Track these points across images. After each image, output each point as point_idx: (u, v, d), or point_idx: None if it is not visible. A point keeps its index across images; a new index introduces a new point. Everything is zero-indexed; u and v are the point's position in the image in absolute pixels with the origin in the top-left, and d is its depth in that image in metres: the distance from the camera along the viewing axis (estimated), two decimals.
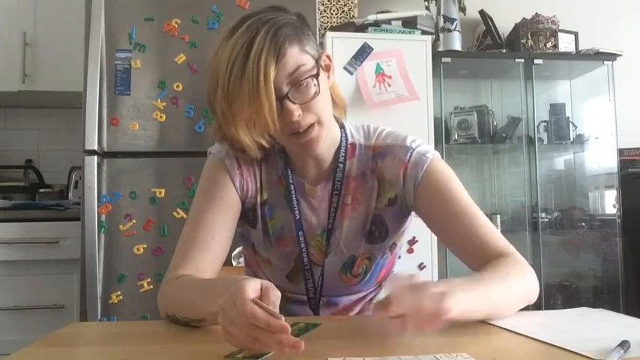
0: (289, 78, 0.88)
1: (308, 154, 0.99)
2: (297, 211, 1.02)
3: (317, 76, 0.90)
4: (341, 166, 1.03)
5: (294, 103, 0.88)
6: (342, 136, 1.04)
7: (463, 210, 0.96)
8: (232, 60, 0.86)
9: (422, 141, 1.05)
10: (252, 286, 0.65)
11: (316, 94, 0.90)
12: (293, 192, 1.02)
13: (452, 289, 0.72)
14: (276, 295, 0.66)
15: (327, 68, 0.96)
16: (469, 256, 0.96)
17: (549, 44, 2.84)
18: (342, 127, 1.05)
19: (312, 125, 0.91)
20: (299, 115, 0.89)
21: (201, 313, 0.79)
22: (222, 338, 0.64)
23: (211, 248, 0.96)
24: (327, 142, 0.98)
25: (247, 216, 1.05)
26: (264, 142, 0.93)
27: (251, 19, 0.89)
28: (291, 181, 1.03)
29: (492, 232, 0.96)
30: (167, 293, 0.90)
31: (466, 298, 0.74)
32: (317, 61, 0.93)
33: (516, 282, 0.86)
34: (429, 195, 0.99)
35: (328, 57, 0.97)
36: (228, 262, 1.69)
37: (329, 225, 1.02)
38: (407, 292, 0.68)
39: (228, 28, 0.91)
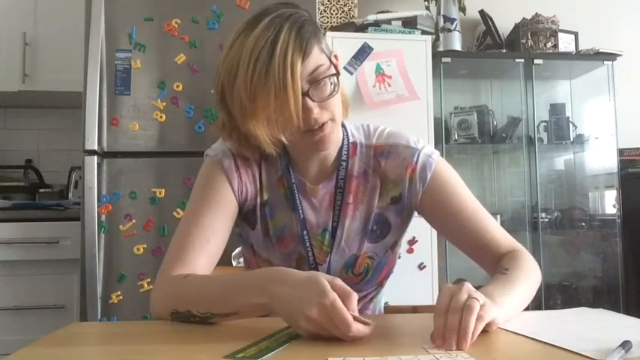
0: (310, 76, 0.89)
1: (316, 153, 0.99)
2: (300, 211, 1.02)
3: (337, 75, 0.92)
4: (344, 164, 1.03)
5: (313, 100, 0.89)
6: (344, 135, 1.05)
7: (471, 210, 1.00)
8: (256, 54, 0.86)
9: (424, 141, 1.06)
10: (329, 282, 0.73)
11: (334, 92, 0.91)
12: (295, 191, 1.02)
13: (495, 301, 0.77)
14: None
15: (336, 67, 0.97)
16: (480, 253, 1.01)
17: (549, 44, 2.84)
18: (342, 126, 1.06)
19: (326, 122, 0.92)
20: (317, 113, 0.90)
21: (234, 306, 0.82)
22: (222, 338, 0.64)
23: (207, 250, 0.96)
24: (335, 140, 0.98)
25: (247, 218, 1.05)
26: (283, 138, 0.92)
27: (271, 14, 0.89)
28: (293, 181, 1.03)
29: (498, 229, 1.01)
30: (177, 291, 0.89)
31: (511, 308, 0.83)
32: (330, 59, 0.94)
33: (531, 274, 0.94)
34: (437, 196, 1.01)
35: (336, 57, 0.98)
36: (228, 262, 1.70)
37: (333, 224, 1.02)
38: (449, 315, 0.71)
39: (245, 22, 0.90)
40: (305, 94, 0.88)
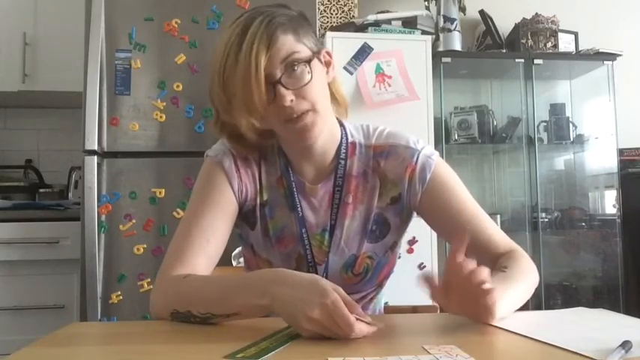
0: (282, 64, 0.89)
1: (304, 147, 0.99)
2: (299, 210, 1.02)
3: (309, 61, 0.92)
4: (342, 163, 1.03)
5: (286, 88, 0.89)
6: (342, 135, 1.04)
7: (469, 211, 1.00)
8: (228, 48, 0.89)
9: (423, 141, 1.06)
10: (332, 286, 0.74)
11: (309, 80, 0.91)
12: (295, 191, 1.02)
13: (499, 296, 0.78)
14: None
15: (327, 64, 0.97)
16: (477, 254, 0.99)
17: (549, 44, 2.84)
18: (341, 125, 1.06)
19: (306, 112, 0.92)
20: (291, 101, 0.90)
21: (235, 307, 0.82)
22: (222, 338, 0.64)
23: (207, 251, 0.96)
24: (324, 135, 0.98)
25: (247, 218, 1.05)
26: (256, 123, 0.93)
27: (251, 12, 0.92)
28: (292, 180, 1.03)
29: (497, 231, 1.02)
30: (177, 291, 0.89)
31: (508, 305, 0.83)
32: (315, 53, 0.94)
33: (529, 275, 0.94)
34: (436, 197, 1.01)
35: (329, 53, 0.98)
36: (228, 262, 1.70)
37: (332, 222, 1.02)
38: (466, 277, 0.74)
39: (230, 23, 0.93)
40: (277, 81, 0.89)
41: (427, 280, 0.78)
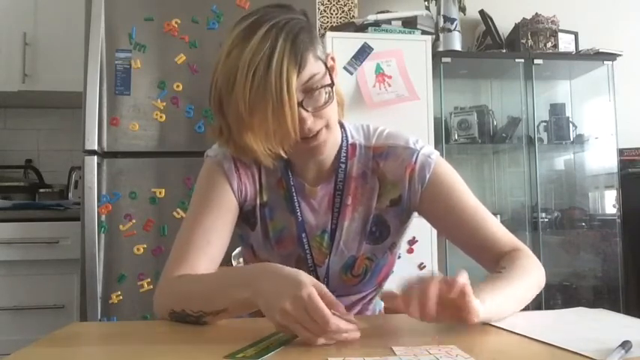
0: (303, 86, 0.88)
1: (313, 157, 0.99)
2: (299, 214, 1.02)
3: (332, 85, 0.91)
4: (343, 166, 1.03)
5: (306, 110, 0.88)
6: (342, 137, 1.04)
7: (471, 209, 0.99)
8: (253, 67, 0.84)
9: (423, 141, 1.06)
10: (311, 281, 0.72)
11: (328, 102, 0.90)
12: (294, 194, 1.02)
13: (480, 299, 0.75)
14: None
15: (331, 69, 0.97)
16: (480, 253, 1.00)
17: (549, 44, 2.84)
18: (342, 127, 1.05)
19: (320, 130, 0.92)
20: (311, 122, 0.89)
21: (223, 302, 0.81)
22: (222, 338, 0.64)
23: (208, 252, 0.96)
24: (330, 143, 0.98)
25: (247, 218, 1.05)
26: (281, 152, 0.91)
27: (267, 22, 0.87)
28: (292, 183, 1.03)
29: (500, 228, 1.01)
30: (173, 291, 0.90)
31: (495, 304, 0.79)
32: (326, 65, 0.92)
33: (531, 275, 0.92)
34: (436, 196, 1.00)
35: (332, 58, 0.97)
36: (228, 262, 1.70)
37: (332, 225, 1.02)
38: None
39: (241, 30, 0.88)
40: (299, 104, 0.87)
41: (388, 297, 0.78)
